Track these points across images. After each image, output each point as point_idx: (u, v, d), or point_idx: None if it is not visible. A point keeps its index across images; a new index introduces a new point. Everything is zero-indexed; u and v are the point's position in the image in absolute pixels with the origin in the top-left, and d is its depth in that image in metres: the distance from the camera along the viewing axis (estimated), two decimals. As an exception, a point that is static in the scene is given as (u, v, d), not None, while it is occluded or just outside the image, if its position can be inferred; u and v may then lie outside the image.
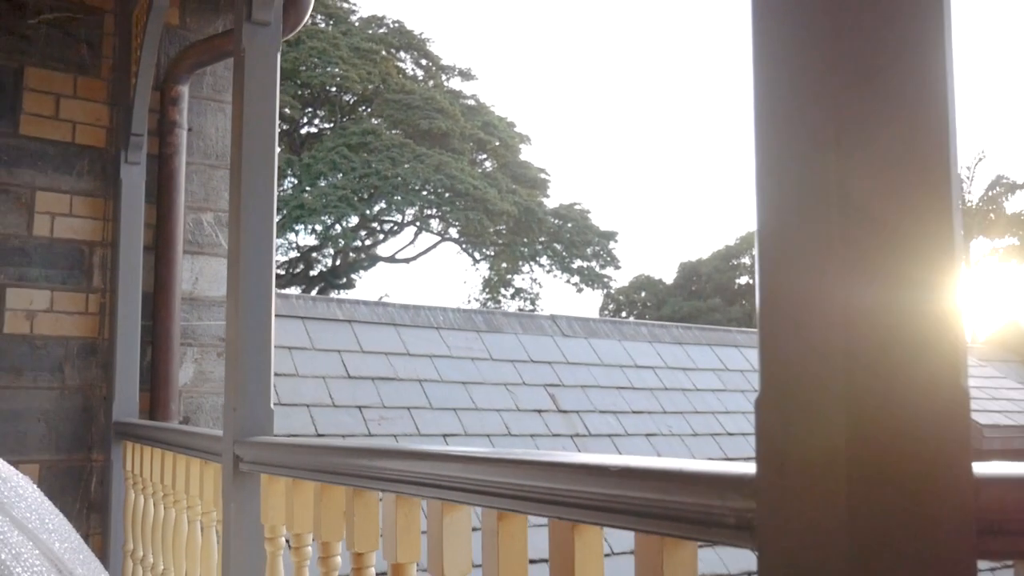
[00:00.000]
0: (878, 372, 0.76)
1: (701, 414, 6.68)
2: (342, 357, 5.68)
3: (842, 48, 0.78)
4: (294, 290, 22.83)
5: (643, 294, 30.35)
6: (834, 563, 0.76)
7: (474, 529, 1.42)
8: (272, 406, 2.23)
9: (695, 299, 28.38)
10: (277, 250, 21.73)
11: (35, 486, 2.05)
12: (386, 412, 5.46)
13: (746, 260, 28.24)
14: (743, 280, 28.36)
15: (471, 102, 25.41)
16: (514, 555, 1.25)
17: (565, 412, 6.16)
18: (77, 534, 2.13)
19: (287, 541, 2.02)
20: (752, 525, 0.84)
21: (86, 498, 3.47)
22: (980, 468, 0.75)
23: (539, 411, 6.06)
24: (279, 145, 21.71)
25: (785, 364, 0.81)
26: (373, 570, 1.71)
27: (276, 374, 5.32)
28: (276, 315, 5.54)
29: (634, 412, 6.41)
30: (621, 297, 29.98)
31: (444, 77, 26.29)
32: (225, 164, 3.85)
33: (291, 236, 22.69)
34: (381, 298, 25.18)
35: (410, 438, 5.39)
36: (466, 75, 26.50)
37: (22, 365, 3.39)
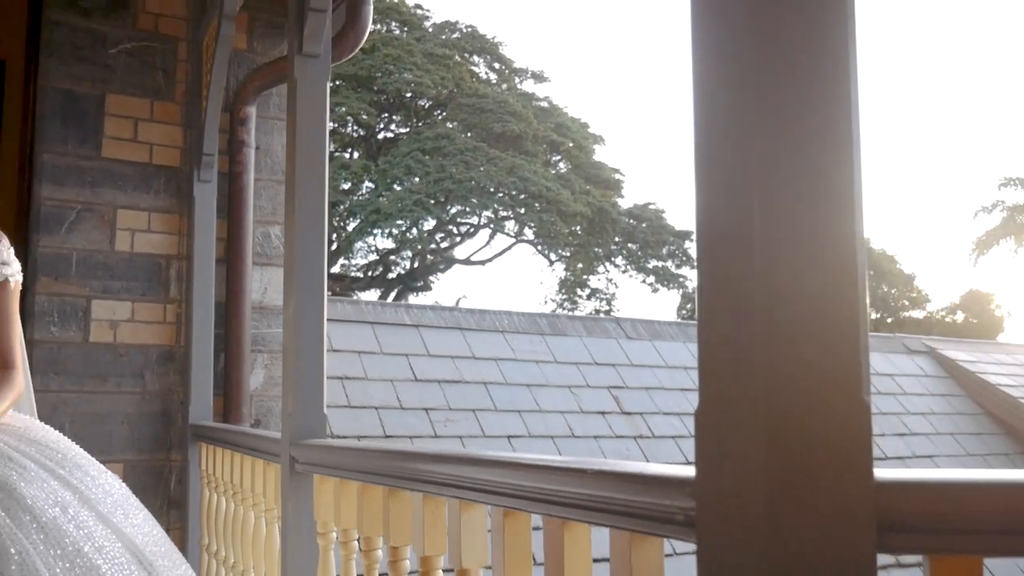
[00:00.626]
0: (792, 390, 0.87)
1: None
2: (409, 361, 5.87)
3: (762, 83, 0.89)
4: (372, 293, 23.29)
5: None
6: (756, 554, 0.87)
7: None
8: (325, 410, 2.40)
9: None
10: (355, 254, 22.10)
11: (122, 483, 2.23)
12: (452, 414, 5.64)
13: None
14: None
15: (544, 104, 25.55)
16: (518, 550, 1.38)
17: (629, 414, 6.25)
18: (161, 529, 2.31)
19: (337, 536, 2.19)
20: (693, 522, 0.95)
21: (166, 495, 3.71)
22: (880, 473, 0.85)
23: (603, 413, 6.16)
24: (356, 150, 21.97)
25: (718, 381, 0.92)
26: (407, 563, 1.86)
27: (346, 377, 5.56)
28: (347, 320, 5.75)
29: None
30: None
31: (517, 80, 26.49)
32: (279, 179, 4.06)
33: (369, 240, 23.15)
34: (459, 300, 25.50)
35: (475, 440, 5.55)
36: (539, 77, 26.66)
37: (107, 372, 3.65)
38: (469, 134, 22.37)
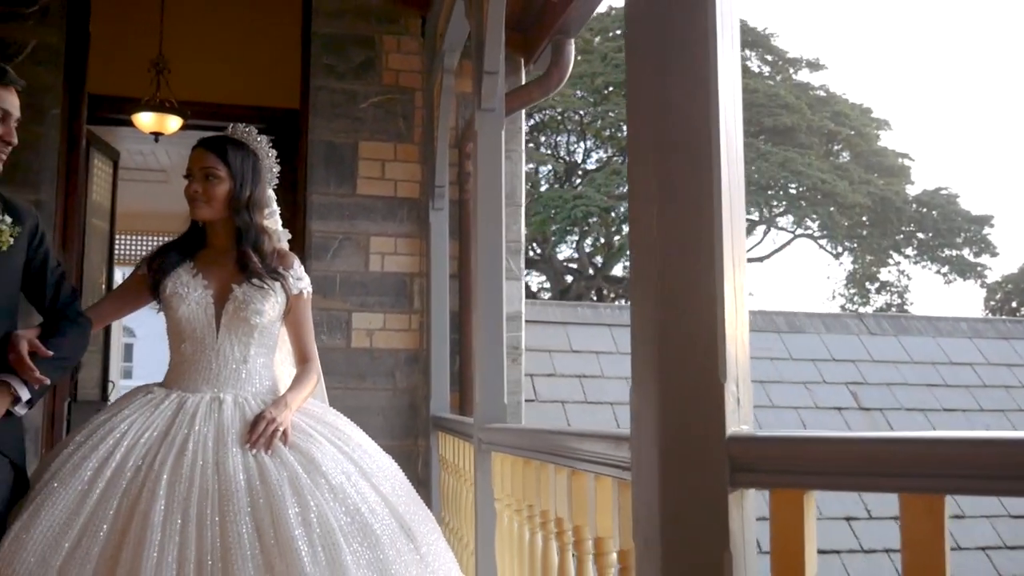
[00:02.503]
0: (674, 377, 1.25)
1: (1024, 412, 6.39)
2: (599, 359, 6.28)
3: (660, 140, 1.28)
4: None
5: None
6: (657, 486, 1.26)
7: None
8: (505, 401, 2.91)
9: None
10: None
11: (392, 461, 2.67)
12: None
13: None
14: None
15: (820, 93, 24.70)
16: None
17: (867, 410, 6.25)
18: (421, 502, 2.73)
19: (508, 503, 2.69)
20: (628, 466, 1.34)
21: (414, 476, 4.41)
22: (730, 431, 1.21)
23: (839, 409, 6.22)
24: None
25: (640, 367, 1.32)
26: (552, 524, 2.30)
27: (583, 376, 6.08)
28: (586, 323, 6.24)
29: (945, 410, 6.31)
30: (1009, 286, 27.28)
31: (791, 71, 25.81)
32: (514, 202, 4.65)
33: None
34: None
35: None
36: (814, 66, 25.79)
37: (365, 372, 4.41)
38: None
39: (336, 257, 4.45)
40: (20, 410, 2.20)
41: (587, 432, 1.63)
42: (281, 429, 2.29)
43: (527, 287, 23.33)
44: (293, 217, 4.67)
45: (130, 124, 5.55)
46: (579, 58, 23.55)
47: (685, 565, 1.22)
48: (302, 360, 2.57)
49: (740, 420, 1.23)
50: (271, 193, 2.63)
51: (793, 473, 1.18)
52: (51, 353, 2.20)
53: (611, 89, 22.43)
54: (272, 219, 2.62)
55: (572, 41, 4.36)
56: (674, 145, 1.27)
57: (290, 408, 2.37)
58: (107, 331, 5.70)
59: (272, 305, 2.46)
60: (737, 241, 1.27)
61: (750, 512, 1.22)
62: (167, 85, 6.17)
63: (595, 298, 22.54)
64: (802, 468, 1.17)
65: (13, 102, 2.31)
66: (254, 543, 2.06)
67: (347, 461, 2.33)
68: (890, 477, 1.08)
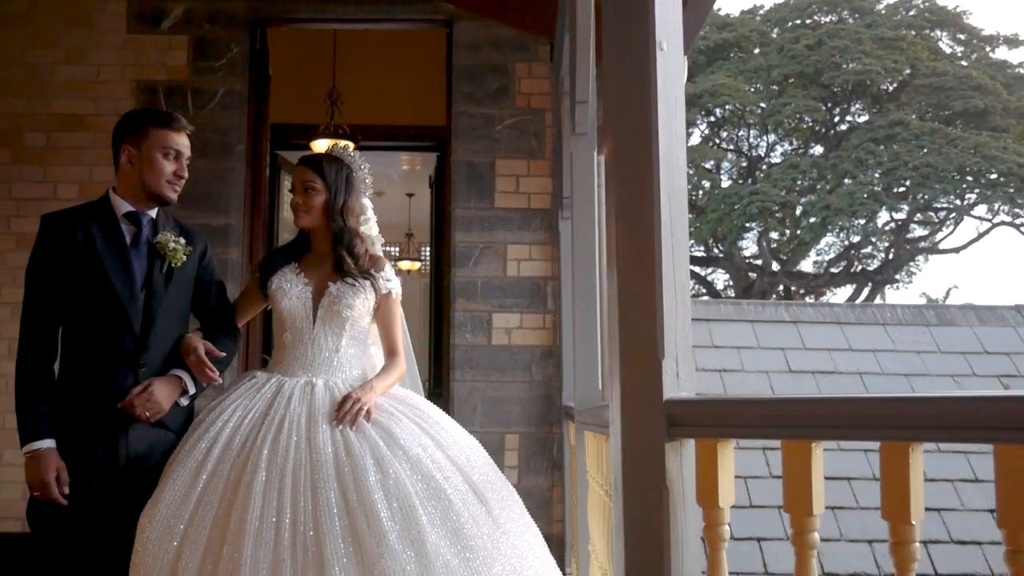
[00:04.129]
0: (629, 357, 1.65)
1: None
2: (785, 354, 6.46)
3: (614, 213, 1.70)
4: (847, 290, 22.79)
5: None
6: (618, 439, 1.67)
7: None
8: (600, 387, 3.33)
9: None
10: (814, 253, 21.70)
11: (469, 436, 3.09)
12: (822, 402, 6.12)
13: None
14: None
15: (1020, 71, 23.24)
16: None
17: (1020, 402, 6.14)
18: (502, 477, 3.11)
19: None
20: (607, 424, 1.76)
21: (550, 459, 4.89)
22: (667, 395, 1.60)
23: (989, 401, 6.14)
24: (819, 144, 21.40)
25: (609, 356, 1.73)
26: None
27: (724, 370, 6.34)
28: (728, 320, 6.49)
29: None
30: None
31: (987, 49, 24.40)
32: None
33: (827, 238, 22.92)
34: (948, 291, 24.15)
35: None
36: (1013, 43, 24.28)
37: (504, 366, 4.93)
38: (925, 117, 21.27)
39: (477, 264, 4.99)
40: (183, 401, 2.65)
41: (601, 404, 2.05)
42: (365, 408, 2.58)
43: (710, 285, 23.23)
44: (442, 230, 5.27)
45: (310, 149, 6.35)
46: (756, 51, 23.32)
47: (637, 496, 1.62)
48: (389, 354, 2.86)
49: (679, 388, 1.62)
50: (365, 201, 2.94)
51: (711, 426, 1.57)
52: (223, 355, 2.67)
53: (791, 80, 22.05)
54: (367, 225, 2.93)
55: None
56: (629, 199, 1.68)
57: (375, 391, 2.67)
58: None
59: (362, 301, 2.77)
60: (679, 267, 1.65)
61: (685, 457, 1.61)
62: (340, 113, 6.99)
63: (782, 295, 22.15)
64: (717, 422, 1.56)
65: (185, 143, 2.73)
66: (340, 506, 2.38)
67: (424, 435, 2.61)
68: (776, 428, 1.47)
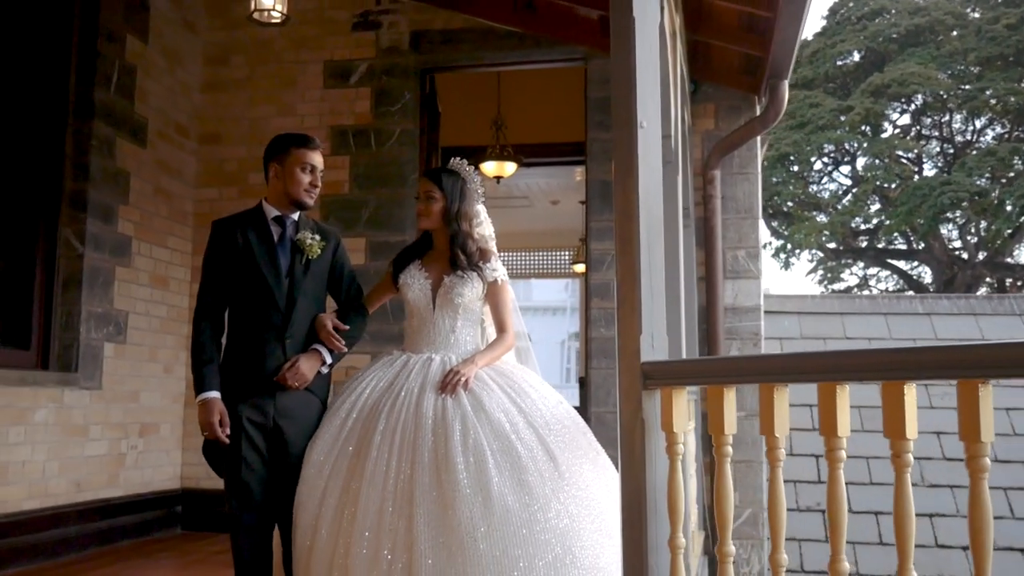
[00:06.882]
0: (623, 332, 2.47)
1: None
2: (915, 344, 6.82)
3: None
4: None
5: None
6: (615, 389, 2.48)
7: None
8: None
9: None
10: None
11: (557, 406, 3.83)
12: (949, 390, 6.47)
13: None
14: None
15: None
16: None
17: None
18: (584, 433, 3.81)
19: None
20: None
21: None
22: (644, 358, 2.40)
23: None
24: None
25: (619, 331, 2.54)
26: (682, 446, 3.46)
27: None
28: (862, 313, 6.99)
29: None
30: None
31: None
32: (752, 216, 5.70)
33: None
34: None
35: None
36: None
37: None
38: None
39: (609, 268, 5.80)
40: (324, 369, 3.16)
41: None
42: (464, 379, 3.06)
43: (911, 279, 22.43)
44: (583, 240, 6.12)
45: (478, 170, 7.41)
46: (954, 34, 22.41)
47: (627, 424, 2.42)
48: (499, 330, 3.34)
49: (654, 354, 2.41)
50: (479, 207, 3.43)
51: (670, 379, 2.36)
52: (347, 327, 3.19)
53: (997, 63, 21.04)
54: (481, 227, 3.42)
55: (785, 82, 5.30)
56: (623, 213, 2.49)
57: (476, 364, 3.13)
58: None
59: (471, 289, 3.26)
60: (655, 275, 2.45)
61: (656, 399, 2.40)
62: (504, 136, 8.04)
63: (994, 287, 21.14)
64: (675, 376, 2.36)
65: (319, 160, 3.21)
66: (431, 459, 2.90)
67: (509, 403, 3.06)
68: (718, 376, 2.26)
